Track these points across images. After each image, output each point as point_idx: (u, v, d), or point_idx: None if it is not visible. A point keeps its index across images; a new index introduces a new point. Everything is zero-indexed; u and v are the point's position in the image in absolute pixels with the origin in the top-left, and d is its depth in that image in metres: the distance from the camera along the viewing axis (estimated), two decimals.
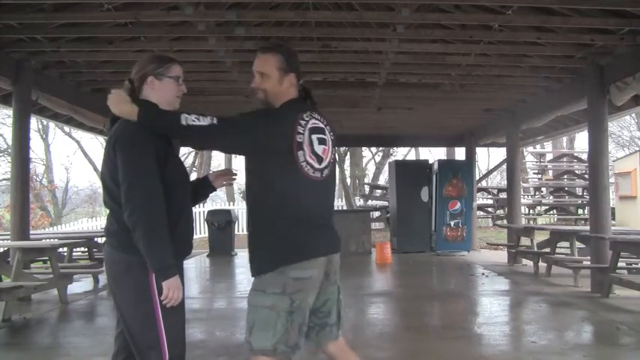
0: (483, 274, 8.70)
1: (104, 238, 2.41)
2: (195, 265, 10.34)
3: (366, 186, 22.49)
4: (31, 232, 7.17)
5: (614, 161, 16.91)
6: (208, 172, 2.75)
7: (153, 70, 2.36)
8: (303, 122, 2.33)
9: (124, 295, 2.28)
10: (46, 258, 7.11)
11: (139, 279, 2.22)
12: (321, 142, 2.38)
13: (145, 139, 2.22)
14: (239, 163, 26.04)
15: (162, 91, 2.37)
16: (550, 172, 18.57)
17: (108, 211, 2.34)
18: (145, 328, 2.23)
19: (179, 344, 2.30)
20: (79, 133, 21.65)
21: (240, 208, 18.90)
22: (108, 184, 2.27)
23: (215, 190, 2.66)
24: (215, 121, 2.23)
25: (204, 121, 2.21)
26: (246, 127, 2.27)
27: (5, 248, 7.15)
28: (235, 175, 2.71)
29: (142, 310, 2.23)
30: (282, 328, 2.24)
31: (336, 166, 2.61)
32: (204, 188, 2.64)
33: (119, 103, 2.30)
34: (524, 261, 9.61)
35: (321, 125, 2.41)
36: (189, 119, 2.20)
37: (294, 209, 2.31)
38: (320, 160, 2.36)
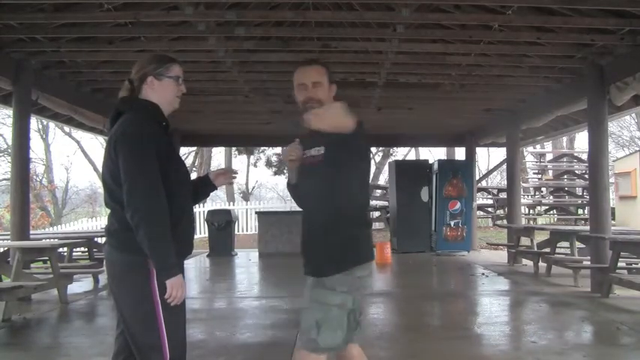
0: (483, 274, 8.70)
1: (105, 238, 2.41)
2: (195, 265, 10.34)
3: None
4: (31, 232, 7.17)
5: (614, 161, 16.91)
6: (208, 171, 2.76)
7: (152, 70, 2.36)
8: None
9: (125, 295, 2.28)
10: (46, 258, 7.11)
11: (140, 279, 2.22)
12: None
13: (146, 138, 2.22)
14: (238, 163, 26.06)
15: (162, 91, 2.37)
16: (550, 172, 18.57)
17: (109, 211, 2.33)
18: (145, 328, 2.23)
19: (180, 345, 2.30)
20: (79, 133, 21.67)
21: (240, 208, 18.90)
22: (109, 184, 2.27)
23: (216, 189, 2.66)
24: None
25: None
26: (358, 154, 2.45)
27: (5, 248, 7.15)
28: (236, 174, 2.72)
29: (142, 311, 2.22)
30: (347, 325, 2.34)
31: None
32: (204, 187, 2.63)
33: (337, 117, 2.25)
34: (524, 261, 9.61)
35: None
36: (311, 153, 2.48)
37: (362, 212, 2.51)
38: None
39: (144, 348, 2.25)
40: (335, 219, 2.39)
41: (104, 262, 2.40)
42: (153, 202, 2.17)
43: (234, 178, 2.70)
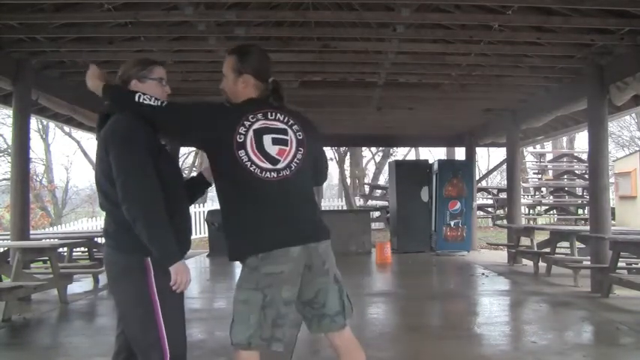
0: (483, 274, 8.70)
1: (103, 240, 2.42)
2: (195, 265, 10.33)
3: (366, 186, 22.50)
4: (31, 232, 7.16)
5: (614, 161, 16.91)
6: (201, 169, 2.76)
7: (135, 73, 2.41)
8: (247, 122, 2.35)
9: (124, 295, 2.29)
10: (46, 258, 7.10)
11: (138, 279, 2.23)
12: (277, 142, 2.38)
13: (135, 133, 2.24)
14: None
15: (147, 91, 2.38)
16: (550, 172, 18.57)
17: (104, 204, 2.33)
18: (145, 328, 2.23)
19: (180, 344, 2.30)
20: (79, 133, 21.64)
21: None
22: (102, 184, 2.28)
23: (210, 185, 2.65)
24: (164, 104, 2.34)
25: (155, 102, 2.31)
26: (187, 115, 2.37)
27: (5, 248, 7.14)
28: None
29: (142, 310, 2.23)
30: (256, 322, 2.29)
31: (317, 164, 2.59)
32: (199, 185, 2.65)
33: (92, 77, 2.46)
34: (524, 261, 9.60)
35: (281, 126, 2.41)
36: (143, 97, 2.30)
37: (245, 206, 2.35)
38: (273, 160, 2.35)
39: (144, 347, 2.25)
40: (223, 212, 2.41)
41: (104, 264, 2.40)
42: (148, 193, 2.18)
43: None
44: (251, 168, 2.31)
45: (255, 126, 2.36)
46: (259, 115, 2.39)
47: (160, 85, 2.44)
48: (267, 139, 2.36)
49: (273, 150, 2.36)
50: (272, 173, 2.34)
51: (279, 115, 2.43)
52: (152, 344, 2.22)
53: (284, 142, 2.39)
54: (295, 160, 2.40)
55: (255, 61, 2.49)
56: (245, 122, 2.34)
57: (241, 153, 2.31)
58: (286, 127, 2.43)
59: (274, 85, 2.51)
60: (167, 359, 2.22)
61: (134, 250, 2.19)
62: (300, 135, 2.45)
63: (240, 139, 2.31)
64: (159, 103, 2.32)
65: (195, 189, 2.64)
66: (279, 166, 2.36)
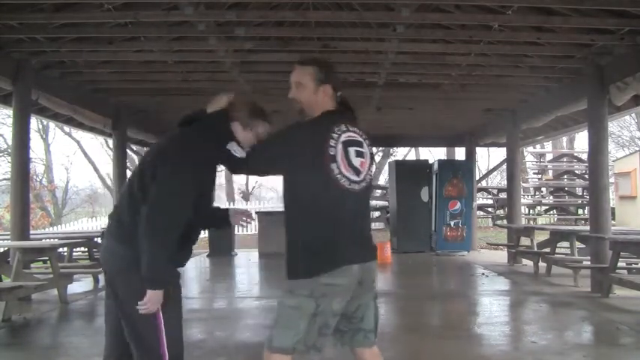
0: (483, 274, 8.70)
1: (108, 228, 2.41)
2: (195, 265, 10.34)
3: None
4: (31, 232, 7.16)
5: (614, 161, 16.92)
6: (230, 208, 2.83)
7: (243, 117, 2.46)
8: (335, 135, 2.36)
9: (129, 287, 2.27)
10: (46, 258, 7.11)
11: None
12: (359, 154, 2.41)
13: (199, 164, 2.31)
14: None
15: (242, 137, 2.45)
16: (550, 172, 18.57)
17: (125, 200, 2.35)
18: (146, 322, 2.24)
19: (177, 343, 2.32)
20: (79, 133, 21.65)
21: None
22: (143, 180, 2.30)
23: (230, 225, 2.73)
24: (248, 152, 2.42)
25: (241, 154, 2.41)
26: (275, 143, 2.40)
27: (5, 248, 7.14)
28: (253, 219, 2.79)
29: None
30: (304, 328, 2.29)
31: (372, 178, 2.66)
32: (220, 219, 2.68)
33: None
34: (524, 261, 9.61)
35: (359, 138, 2.44)
36: (234, 149, 2.42)
37: (328, 219, 2.34)
38: (358, 172, 2.39)
39: (142, 344, 2.26)
40: (294, 220, 2.37)
41: (106, 255, 2.37)
42: (174, 218, 2.22)
43: (250, 223, 2.79)
44: (341, 180, 2.34)
45: (343, 138, 2.38)
46: (343, 127, 2.40)
47: (255, 138, 2.47)
48: (352, 152, 2.39)
49: (357, 162, 2.39)
50: (355, 185, 2.38)
51: (355, 127, 2.46)
52: (150, 342, 2.24)
53: (363, 155, 2.43)
54: (368, 173, 2.45)
55: (333, 71, 2.52)
56: (333, 135, 2.36)
57: (333, 166, 2.32)
58: (362, 139, 2.45)
59: (342, 98, 2.52)
60: (165, 358, 2.23)
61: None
62: (370, 149, 2.49)
63: (332, 152, 2.33)
64: (244, 155, 2.42)
65: (214, 222, 2.69)
66: (359, 178, 2.40)
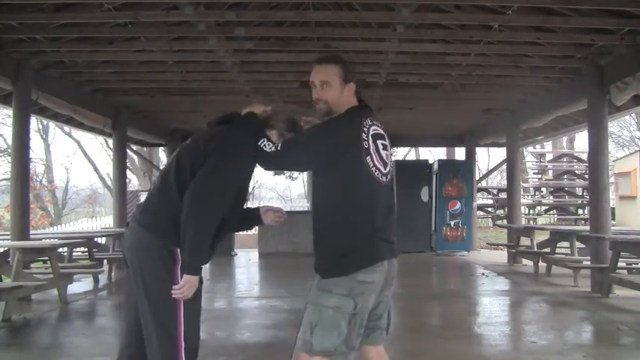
0: (483, 274, 8.70)
1: (138, 215, 2.41)
2: None
3: None
4: (31, 232, 7.16)
5: (614, 161, 16.91)
6: (261, 205, 2.83)
7: (281, 127, 2.50)
8: (365, 128, 2.37)
9: (154, 272, 2.28)
10: (46, 258, 7.10)
11: (170, 262, 2.28)
12: (384, 147, 2.42)
13: (247, 159, 2.37)
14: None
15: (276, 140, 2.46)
16: (550, 172, 18.56)
17: (156, 189, 2.39)
18: (167, 308, 2.25)
19: (194, 338, 2.32)
20: (79, 133, 21.64)
21: None
22: (184, 166, 2.33)
23: (262, 223, 2.72)
24: (279, 147, 2.37)
25: (272, 148, 2.37)
26: (310, 142, 2.37)
27: (5, 248, 7.14)
28: (285, 217, 2.76)
29: (167, 290, 2.25)
30: (346, 329, 2.25)
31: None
32: (252, 219, 2.69)
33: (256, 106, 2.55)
34: (524, 261, 9.61)
35: (382, 132, 2.45)
36: (264, 143, 2.38)
37: (365, 214, 2.33)
38: (385, 165, 2.40)
39: (160, 331, 2.25)
40: (333, 221, 2.33)
41: (131, 241, 2.36)
42: (218, 207, 2.28)
43: (282, 220, 2.74)
44: (375, 173, 2.34)
45: (371, 131, 2.38)
46: (369, 121, 2.40)
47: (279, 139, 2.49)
48: (380, 145, 2.40)
49: (384, 154, 2.40)
50: (384, 178, 2.39)
51: (377, 120, 2.46)
52: (170, 328, 2.24)
53: (387, 148, 2.44)
54: (391, 165, 2.46)
55: (354, 68, 2.52)
56: (364, 128, 2.36)
57: (368, 159, 2.33)
58: (384, 132, 2.46)
59: (357, 94, 2.50)
60: (181, 350, 2.24)
61: (171, 239, 2.25)
62: (389, 142, 2.49)
63: (366, 145, 2.33)
64: (275, 148, 2.38)
65: (248, 219, 2.68)
66: (386, 170, 2.41)
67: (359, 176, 2.31)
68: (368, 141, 2.34)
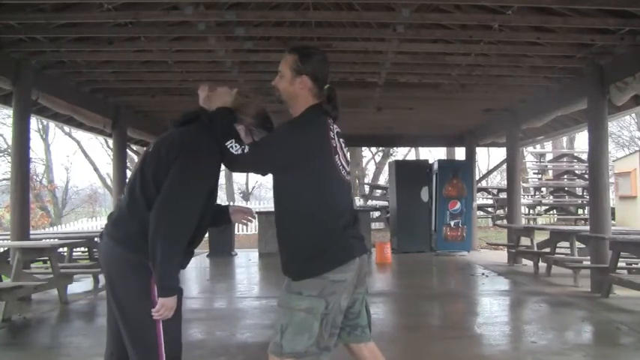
0: (483, 274, 8.70)
1: (107, 229, 2.34)
2: (196, 265, 10.33)
3: (366, 186, 22.50)
4: (31, 232, 7.16)
5: (614, 161, 16.91)
6: (230, 204, 2.81)
7: (251, 124, 2.45)
8: (331, 127, 2.37)
9: (129, 289, 2.25)
10: (46, 258, 7.11)
11: (145, 276, 2.21)
12: (345, 145, 2.43)
13: (213, 161, 2.28)
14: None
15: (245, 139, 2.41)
16: (550, 172, 18.58)
17: (125, 202, 2.30)
18: (145, 324, 2.22)
19: (176, 345, 2.30)
20: (79, 133, 21.66)
21: None
22: (148, 184, 2.24)
23: (230, 222, 2.68)
24: (246, 149, 2.28)
25: (239, 151, 2.27)
26: (280, 144, 2.29)
27: (5, 248, 7.14)
28: (254, 218, 2.75)
29: (143, 306, 2.21)
30: (317, 330, 2.23)
31: None
32: (220, 216, 2.62)
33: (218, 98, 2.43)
34: (524, 261, 9.61)
35: (339, 130, 2.45)
36: (230, 144, 2.27)
37: (334, 212, 2.30)
38: (348, 162, 2.43)
39: (140, 346, 2.24)
40: (302, 222, 2.29)
41: (105, 257, 2.32)
42: (187, 218, 2.19)
43: (251, 221, 2.74)
44: (342, 172, 2.35)
45: (335, 129, 2.39)
46: (330, 120, 2.39)
47: (249, 138, 2.44)
48: (342, 142, 2.41)
49: (346, 152, 2.42)
50: (348, 175, 2.40)
51: (332, 120, 2.44)
52: (149, 343, 2.22)
53: (346, 145, 2.45)
54: (348, 165, 2.46)
55: (315, 63, 2.39)
56: (330, 127, 2.36)
57: (336, 158, 2.33)
58: (339, 130, 2.46)
59: (330, 92, 2.41)
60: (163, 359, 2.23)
61: (145, 253, 2.17)
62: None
63: (334, 144, 2.33)
64: (243, 151, 2.27)
65: (214, 219, 2.59)
66: (349, 168, 2.44)
67: (329, 176, 2.30)
68: (335, 139, 2.34)
